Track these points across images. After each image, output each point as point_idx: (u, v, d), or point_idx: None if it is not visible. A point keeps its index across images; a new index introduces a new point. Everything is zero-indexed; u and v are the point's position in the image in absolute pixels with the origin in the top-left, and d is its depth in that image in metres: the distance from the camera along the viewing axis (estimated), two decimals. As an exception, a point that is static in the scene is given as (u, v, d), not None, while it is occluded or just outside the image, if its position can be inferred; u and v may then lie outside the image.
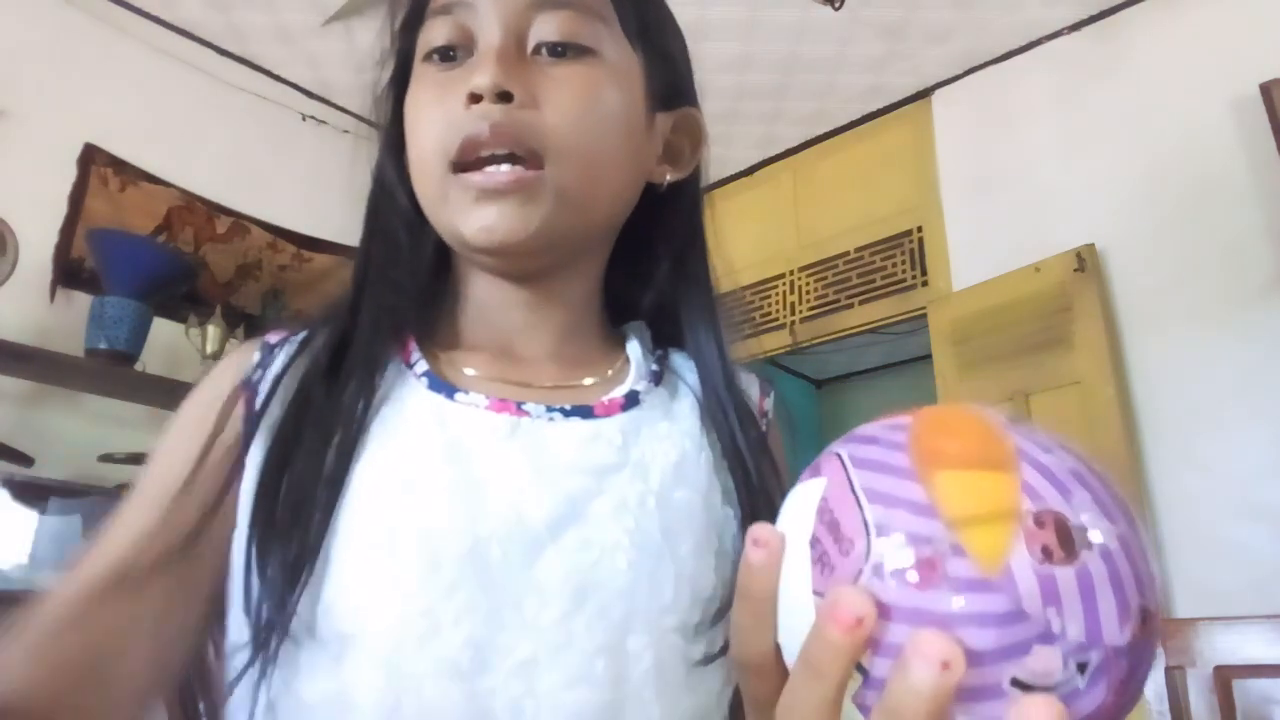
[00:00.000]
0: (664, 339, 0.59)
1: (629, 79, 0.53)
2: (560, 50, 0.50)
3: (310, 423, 0.48)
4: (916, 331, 2.85)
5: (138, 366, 2.19)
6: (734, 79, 2.74)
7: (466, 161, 0.48)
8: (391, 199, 0.56)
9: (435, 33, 0.51)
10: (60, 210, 2.31)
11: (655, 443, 0.50)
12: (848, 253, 2.92)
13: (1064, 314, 2.32)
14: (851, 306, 2.88)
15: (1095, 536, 0.24)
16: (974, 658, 0.23)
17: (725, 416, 0.53)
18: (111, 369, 2.14)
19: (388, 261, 0.55)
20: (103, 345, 2.12)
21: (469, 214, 0.48)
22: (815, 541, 0.26)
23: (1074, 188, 2.45)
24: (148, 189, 2.49)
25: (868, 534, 0.25)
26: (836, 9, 2.38)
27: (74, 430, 2.22)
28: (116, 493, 2.13)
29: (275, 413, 0.48)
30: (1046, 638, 0.23)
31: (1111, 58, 2.47)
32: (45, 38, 2.37)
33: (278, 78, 2.83)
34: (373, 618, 0.43)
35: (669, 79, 0.57)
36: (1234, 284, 2.12)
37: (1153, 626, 0.24)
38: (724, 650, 0.46)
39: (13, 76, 2.28)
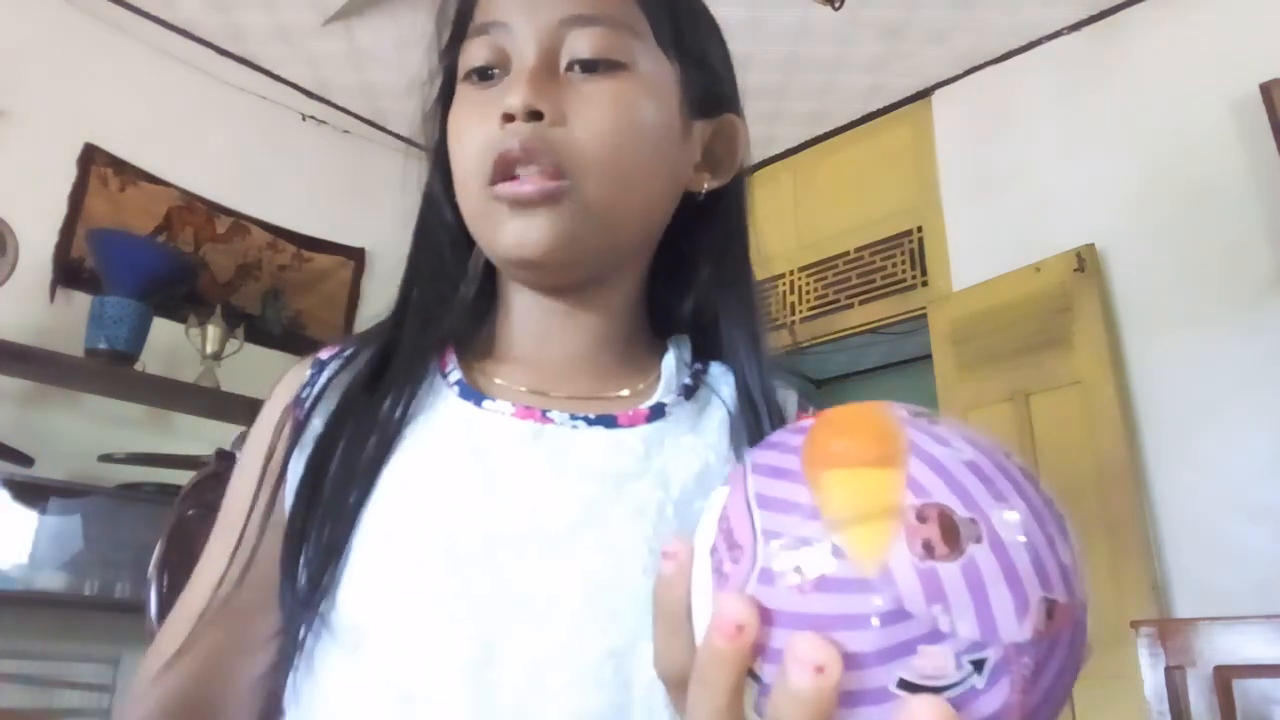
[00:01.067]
0: (709, 350, 0.59)
1: (663, 90, 0.53)
2: (592, 66, 0.51)
3: (348, 431, 0.50)
4: (916, 331, 2.85)
5: (138, 366, 2.20)
6: (734, 79, 2.74)
7: (501, 178, 0.50)
8: (439, 215, 0.58)
9: (474, 53, 0.53)
10: (60, 210, 2.31)
11: (678, 454, 0.51)
12: (848, 253, 2.92)
13: (1064, 314, 2.32)
14: (851, 306, 2.88)
15: (986, 529, 0.22)
16: (855, 660, 0.22)
17: (758, 429, 0.53)
18: (111, 369, 2.14)
19: (433, 277, 0.57)
20: (103, 345, 2.12)
21: (503, 227, 0.50)
22: (714, 550, 0.26)
23: (1074, 188, 2.45)
24: (148, 189, 2.49)
25: (755, 540, 0.24)
26: (836, 9, 2.38)
27: (74, 430, 2.22)
28: (116, 493, 2.13)
29: (316, 424, 0.52)
30: (934, 637, 0.22)
31: (1111, 58, 2.47)
32: (45, 38, 2.37)
33: (278, 78, 2.83)
34: (390, 611, 0.45)
35: (708, 86, 0.57)
36: (1234, 284, 2.12)
37: (1064, 619, 0.23)
38: None
39: (13, 76, 2.28)
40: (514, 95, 0.48)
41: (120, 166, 2.44)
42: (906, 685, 0.22)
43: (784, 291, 3.03)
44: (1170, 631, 1.55)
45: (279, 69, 2.81)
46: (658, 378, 0.55)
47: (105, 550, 2.06)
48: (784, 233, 3.08)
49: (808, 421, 0.27)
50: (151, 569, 0.67)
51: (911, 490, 0.23)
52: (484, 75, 0.52)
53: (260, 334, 2.64)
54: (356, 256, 2.91)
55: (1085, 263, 2.31)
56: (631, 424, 0.51)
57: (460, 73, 0.54)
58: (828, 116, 2.98)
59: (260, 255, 2.71)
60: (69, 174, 2.34)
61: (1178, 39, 2.35)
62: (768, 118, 2.95)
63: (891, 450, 0.24)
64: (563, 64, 0.51)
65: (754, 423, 0.53)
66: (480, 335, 0.58)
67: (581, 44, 0.50)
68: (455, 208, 0.55)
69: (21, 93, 2.29)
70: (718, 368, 0.58)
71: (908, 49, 2.65)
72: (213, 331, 2.39)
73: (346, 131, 2.96)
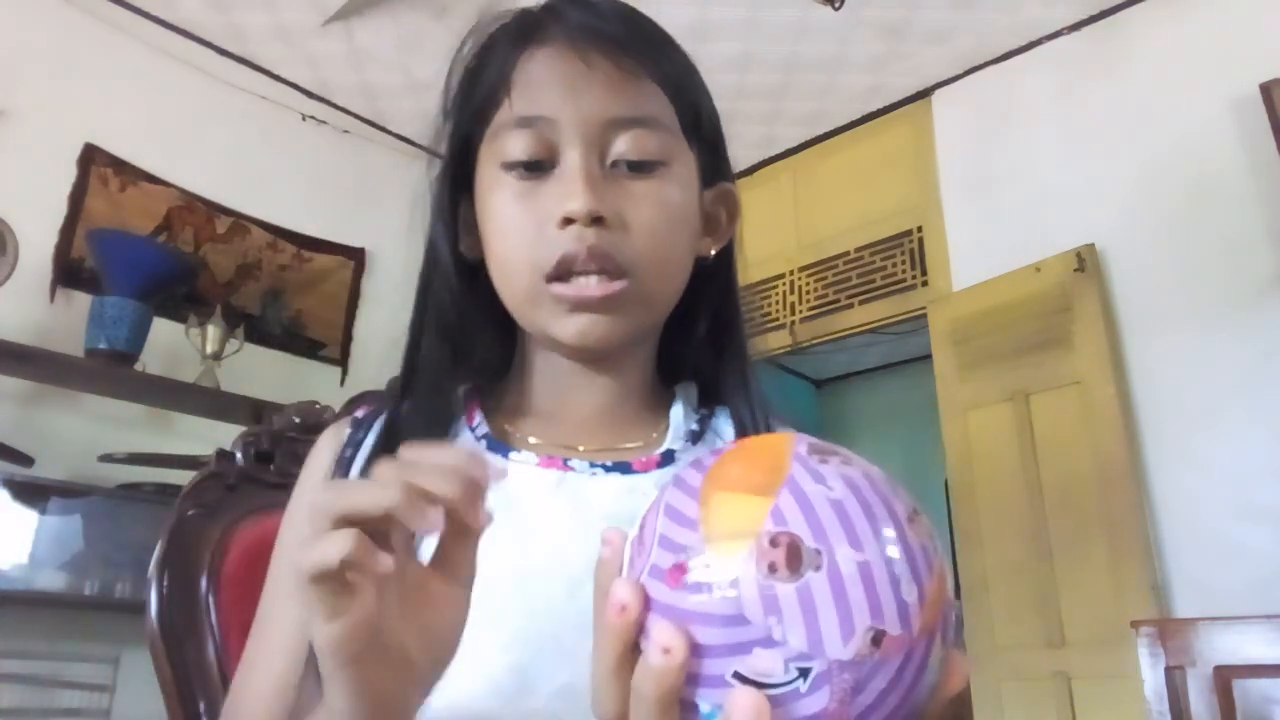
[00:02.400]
0: (713, 395, 0.63)
1: (690, 179, 0.57)
2: (638, 166, 0.54)
3: None
4: (916, 331, 2.85)
5: (138, 366, 2.20)
6: (734, 79, 2.74)
7: (560, 277, 0.52)
8: (445, 277, 0.59)
9: (517, 145, 0.54)
10: (60, 210, 2.31)
11: None
12: (848, 253, 2.92)
13: (1064, 314, 2.32)
14: (851, 306, 2.88)
15: (828, 560, 0.26)
16: (702, 650, 0.27)
17: None
18: (111, 369, 2.14)
19: (444, 345, 0.59)
20: (103, 345, 2.12)
21: (563, 321, 0.53)
22: (632, 544, 0.31)
23: (1074, 188, 2.45)
24: (148, 189, 2.49)
25: (654, 541, 0.29)
26: (836, 9, 2.38)
27: (74, 430, 2.22)
28: (116, 493, 2.13)
29: None
30: (767, 643, 0.26)
31: (1111, 58, 2.47)
32: (45, 38, 2.37)
33: (278, 78, 2.83)
34: None
35: (713, 158, 0.61)
36: (1234, 284, 2.12)
37: (893, 648, 0.26)
38: None
39: (13, 76, 2.28)
40: (576, 201, 0.51)
41: (120, 166, 2.44)
42: (740, 677, 0.26)
43: (784, 291, 3.03)
44: (1170, 631, 1.55)
45: (279, 69, 2.81)
46: (669, 425, 0.59)
47: (105, 550, 2.06)
48: (784, 233, 3.08)
49: (732, 445, 0.32)
50: (151, 569, 0.67)
51: (772, 518, 0.27)
52: (529, 167, 0.54)
53: (260, 334, 2.64)
54: (356, 256, 2.91)
55: (1085, 263, 2.31)
56: (645, 469, 0.56)
57: (497, 159, 0.55)
58: (828, 116, 2.98)
59: (260, 255, 2.71)
60: (69, 174, 2.34)
61: (1178, 39, 2.35)
62: (768, 118, 2.95)
63: (771, 481, 0.28)
64: (608, 160, 0.54)
65: None
66: (502, 390, 0.61)
67: (628, 145, 0.53)
68: (459, 267, 0.58)
69: (21, 93, 2.29)
70: (722, 411, 0.61)
71: (908, 49, 2.65)
72: (213, 331, 2.39)
73: (346, 131, 2.96)
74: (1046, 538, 2.22)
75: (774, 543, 0.26)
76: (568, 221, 0.51)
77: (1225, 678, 1.42)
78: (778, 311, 3.03)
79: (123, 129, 2.45)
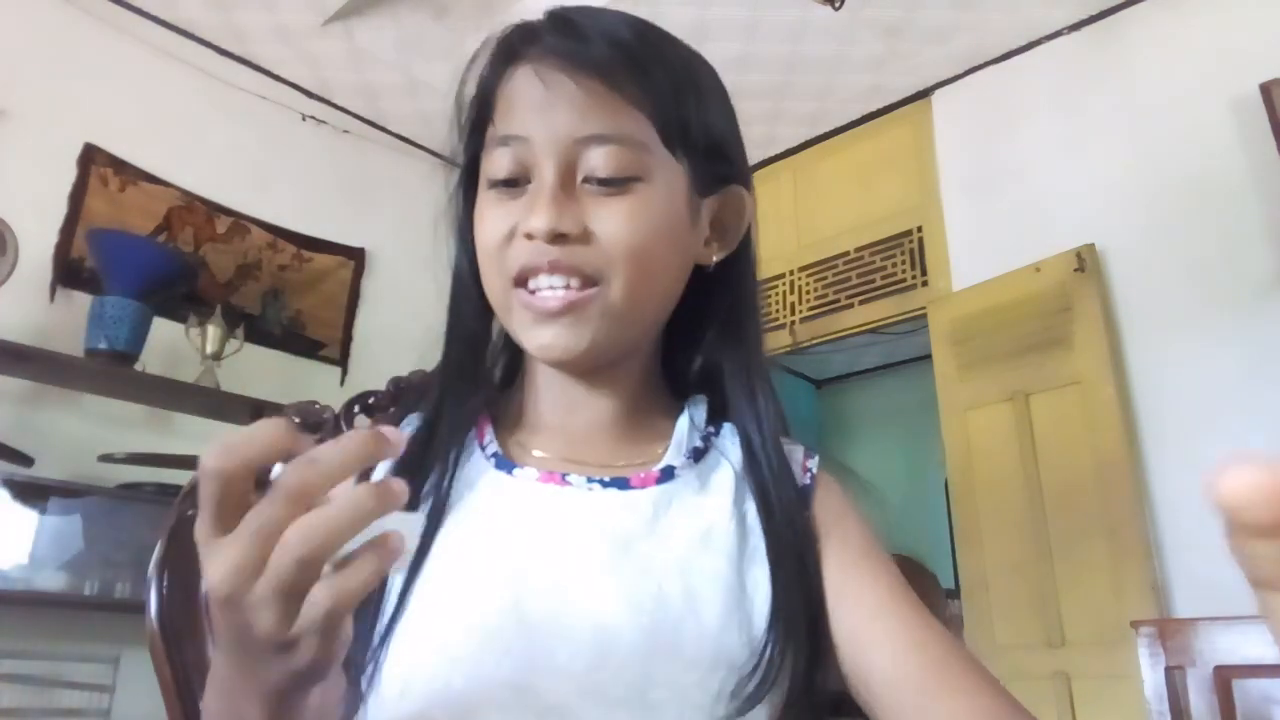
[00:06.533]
0: (724, 411, 0.62)
1: (673, 191, 0.56)
2: (608, 183, 0.54)
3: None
4: (916, 331, 2.85)
5: (138, 366, 2.20)
6: (734, 79, 2.72)
7: (521, 279, 0.54)
8: (466, 291, 0.61)
9: (496, 165, 0.55)
10: (60, 210, 2.31)
11: (683, 515, 0.55)
12: (848, 253, 2.92)
13: (1064, 314, 2.32)
14: (851, 306, 2.88)
15: None
16: None
17: (764, 486, 0.57)
18: (111, 369, 2.14)
19: (467, 355, 0.61)
20: (103, 345, 2.12)
21: (529, 331, 0.54)
22: None
23: (1074, 188, 2.45)
24: (148, 189, 2.49)
25: None
26: (836, 9, 2.38)
27: (74, 430, 2.22)
28: (116, 493, 2.13)
29: None
30: None
31: (1111, 58, 2.47)
32: (45, 38, 2.37)
33: (278, 78, 2.83)
34: (433, 664, 0.49)
35: (715, 166, 0.59)
36: (1234, 284, 2.12)
37: None
38: (751, 704, 0.50)
39: (13, 76, 2.28)
40: (538, 218, 0.52)
41: (120, 166, 2.44)
42: None
43: (784, 291, 3.03)
44: (1170, 631, 1.55)
45: (279, 69, 2.81)
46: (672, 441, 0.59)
47: (105, 550, 2.06)
48: (784, 233, 3.08)
49: None
50: (151, 569, 0.67)
51: None
52: (507, 184, 0.55)
53: (260, 334, 2.64)
54: (356, 256, 2.91)
55: (1085, 263, 2.31)
56: (643, 485, 0.56)
57: (483, 176, 0.57)
58: (828, 116, 2.97)
59: (260, 255, 2.71)
60: (69, 174, 2.34)
61: (1178, 39, 2.35)
62: (768, 118, 2.95)
63: None
64: (580, 176, 0.54)
65: (760, 480, 0.57)
66: (511, 403, 0.62)
67: (597, 162, 0.53)
68: (477, 281, 0.59)
69: (21, 93, 2.29)
70: (729, 428, 0.61)
71: (908, 49, 2.65)
72: (213, 331, 2.39)
73: (346, 131, 2.96)
74: (1046, 538, 2.22)
75: None
76: (531, 237, 0.52)
77: (1225, 678, 1.42)
78: (778, 311, 3.03)
79: (123, 129, 2.45)
